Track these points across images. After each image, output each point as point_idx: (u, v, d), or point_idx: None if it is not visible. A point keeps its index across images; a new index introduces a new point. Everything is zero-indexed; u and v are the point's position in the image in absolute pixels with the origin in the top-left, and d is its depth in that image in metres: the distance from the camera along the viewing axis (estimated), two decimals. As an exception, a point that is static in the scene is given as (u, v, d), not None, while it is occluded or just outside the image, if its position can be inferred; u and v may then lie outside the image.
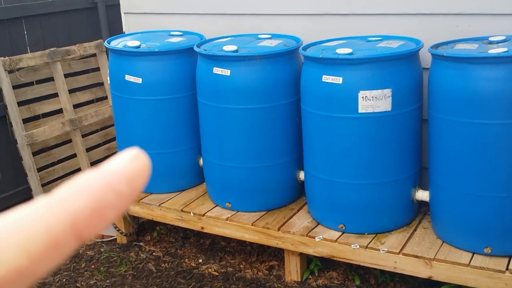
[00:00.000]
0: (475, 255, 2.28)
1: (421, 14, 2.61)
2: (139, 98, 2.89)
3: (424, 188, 2.55)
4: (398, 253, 2.36)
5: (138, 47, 2.87)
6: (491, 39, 2.36)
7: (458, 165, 2.27)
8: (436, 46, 2.41)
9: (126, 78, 2.87)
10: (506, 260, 2.23)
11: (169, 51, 2.86)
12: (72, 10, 4.09)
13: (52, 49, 3.75)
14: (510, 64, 2.11)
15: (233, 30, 3.06)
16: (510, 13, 2.43)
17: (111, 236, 3.25)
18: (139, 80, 2.85)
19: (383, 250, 2.39)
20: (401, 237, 2.47)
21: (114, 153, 4.15)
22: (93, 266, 2.99)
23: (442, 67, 2.27)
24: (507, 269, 2.18)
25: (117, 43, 3.00)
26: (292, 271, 2.66)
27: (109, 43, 2.99)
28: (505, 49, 2.15)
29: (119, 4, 3.50)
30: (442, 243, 2.39)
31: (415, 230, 2.53)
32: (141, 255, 3.06)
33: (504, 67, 2.12)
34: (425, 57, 2.49)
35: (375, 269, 2.53)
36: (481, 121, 2.17)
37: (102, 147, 4.15)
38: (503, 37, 2.35)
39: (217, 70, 2.63)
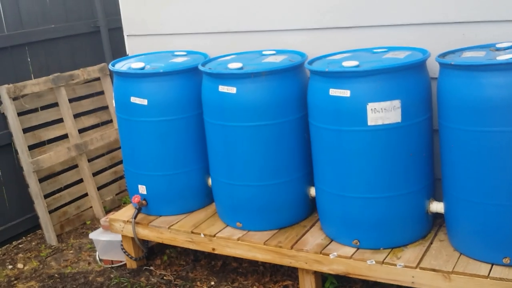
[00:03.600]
0: (494, 266, 2.23)
1: (425, 23, 2.59)
2: (145, 120, 2.87)
3: (439, 200, 2.50)
4: (415, 268, 2.31)
5: (143, 68, 2.86)
6: (498, 46, 2.34)
7: (472, 174, 2.22)
8: (443, 55, 2.39)
9: (131, 100, 2.86)
10: (527, 270, 2.18)
11: (174, 71, 2.85)
12: (75, 35, 4.11)
13: (55, 74, 3.75)
14: (520, 70, 2.08)
15: (237, 47, 3.05)
16: (516, 19, 2.41)
17: (121, 261, 3.20)
18: (144, 102, 2.84)
19: (399, 265, 2.33)
20: (418, 250, 2.42)
21: (121, 176, 4.12)
22: (103, 292, 2.95)
23: (450, 75, 2.25)
24: (528, 279, 2.12)
25: (121, 66, 2.99)
26: (307, 289, 2.60)
27: (113, 66, 2.98)
28: (514, 55, 2.13)
29: (121, 27, 3.50)
30: (460, 255, 2.34)
31: (431, 243, 2.47)
32: (152, 279, 3.01)
33: (514, 73, 2.09)
34: (432, 67, 2.47)
35: (392, 285, 2.47)
36: (493, 128, 2.14)
37: (109, 171, 4.13)
38: (510, 44, 2.33)
39: (222, 88, 2.61)
